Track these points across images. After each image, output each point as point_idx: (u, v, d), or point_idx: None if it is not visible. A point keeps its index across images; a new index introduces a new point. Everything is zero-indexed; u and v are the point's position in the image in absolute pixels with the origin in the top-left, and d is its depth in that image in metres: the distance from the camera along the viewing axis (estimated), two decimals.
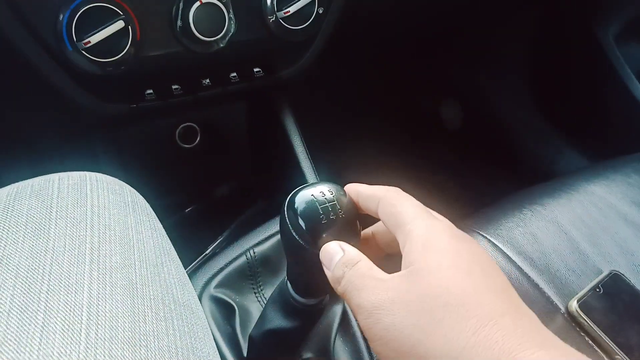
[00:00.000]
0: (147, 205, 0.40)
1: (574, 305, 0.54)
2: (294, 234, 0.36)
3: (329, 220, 0.36)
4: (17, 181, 0.38)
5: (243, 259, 0.59)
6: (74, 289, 0.29)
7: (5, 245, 0.31)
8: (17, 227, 0.33)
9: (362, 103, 1.31)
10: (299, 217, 0.36)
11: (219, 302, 0.57)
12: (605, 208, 0.65)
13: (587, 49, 1.12)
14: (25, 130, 0.78)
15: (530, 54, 1.26)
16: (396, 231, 0.34)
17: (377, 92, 1.33)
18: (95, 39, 0.55)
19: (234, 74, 0.68)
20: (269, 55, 0.70)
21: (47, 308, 0.28)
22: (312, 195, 0.37)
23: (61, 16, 0.54)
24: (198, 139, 0.77)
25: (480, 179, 1.26)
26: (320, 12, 0.66)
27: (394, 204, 0.35)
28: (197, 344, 0.30)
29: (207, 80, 0.67)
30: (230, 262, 0.59)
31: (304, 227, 0.36)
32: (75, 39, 0.55)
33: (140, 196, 0.40)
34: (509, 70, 1.30)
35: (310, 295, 0.43)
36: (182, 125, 0.76)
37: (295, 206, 0.37)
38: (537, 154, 1.25)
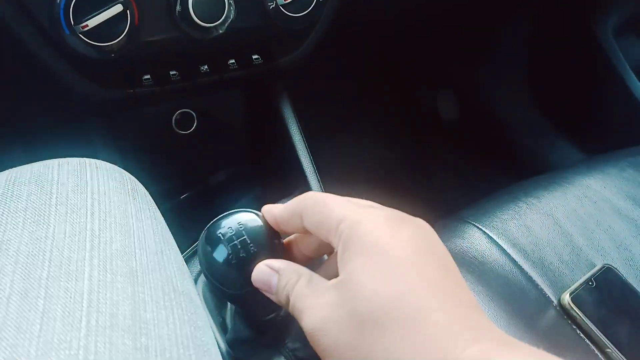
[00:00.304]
0: (147, 192, 0.40)
1: (566, 298, 0.55)
2: (209, 276, 0.36)
3: (238, 259, 0.34)
4: (12, 167, 0.38)
5: None
6: (74, 275, 0.29)
7: (5, 231, 0.31)
8: (16, 212, 0.32)
9: (361, 98, 1.31)
10: (211, 261, 0.35)
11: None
12: (600, 202, 0.65)
13: (586, 46, 1.12)
14: (21, 116, 0.77)
15: (529, 51, 1.26)
16: (329, 239, 0.32)
17: (376, 87, 1.33)
18: (92, 22, 0.54)
19: (233, 61, 0.67)
20: (268, 43, 0.69)
21: (47, 294, 0.28)
22: (220, 234, 0.35)
23: None
24: (195, 125, 0.76)
25: (477, 174, 1.26)
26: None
27: (319, 211, 0.32)
28: (196, 332, 0.30)
29: (205, 67, 0.66)
30: None
31: (216, 270, 0.35)
32: (72, 22, 0.54)
33: (140, 184, 0.40)
34: (508, 67, 1.31)
35: (262, 316, 0.42)
36: (178, 111, 0.75)
37: (206, 248, 0.36)
38: (535, 150, 1.26)
